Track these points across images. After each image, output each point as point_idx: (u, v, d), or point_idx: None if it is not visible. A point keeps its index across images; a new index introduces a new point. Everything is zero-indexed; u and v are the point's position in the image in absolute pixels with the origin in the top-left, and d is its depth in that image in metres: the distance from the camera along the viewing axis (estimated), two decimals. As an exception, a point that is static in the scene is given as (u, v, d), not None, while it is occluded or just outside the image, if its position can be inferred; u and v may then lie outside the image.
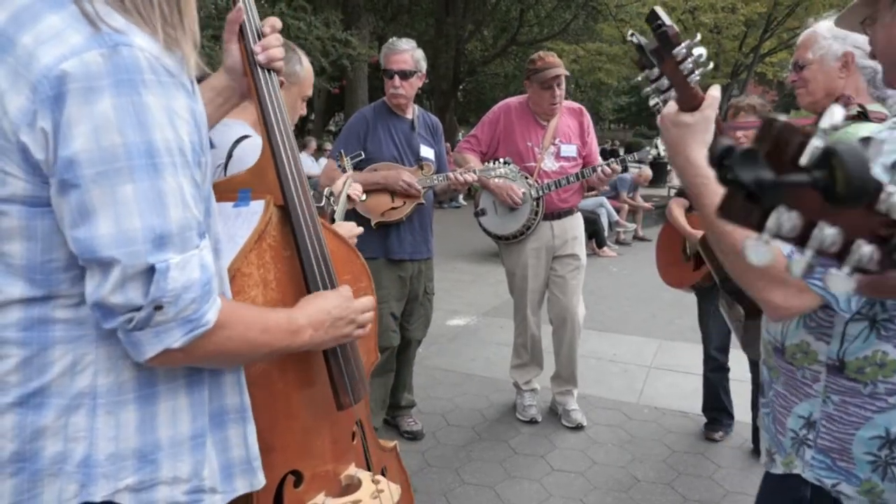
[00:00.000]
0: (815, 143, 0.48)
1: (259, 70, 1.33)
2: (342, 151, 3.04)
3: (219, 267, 1.09)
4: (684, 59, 1.21)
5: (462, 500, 3.04)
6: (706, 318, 3.59)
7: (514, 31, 18.80)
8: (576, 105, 3.90)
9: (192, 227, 0.90)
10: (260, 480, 1.15)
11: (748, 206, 0.50)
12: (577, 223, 3.81)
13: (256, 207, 1.34)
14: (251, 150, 2.04)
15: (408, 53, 3.28)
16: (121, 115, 0.83)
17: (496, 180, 3.50)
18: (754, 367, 3.30)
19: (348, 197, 2.46)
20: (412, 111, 3.44)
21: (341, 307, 1.25)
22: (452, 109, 19.55)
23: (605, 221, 9.51)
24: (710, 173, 1.18)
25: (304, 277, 1.34)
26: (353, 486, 1.47)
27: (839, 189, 0.47)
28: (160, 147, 0.86)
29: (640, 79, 1.29)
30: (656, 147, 3.46)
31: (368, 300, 1.35)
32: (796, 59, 2.01)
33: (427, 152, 3.42)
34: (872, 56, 1.32)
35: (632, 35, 1.34)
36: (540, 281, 3.76)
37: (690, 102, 1.23)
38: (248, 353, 1.06)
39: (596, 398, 4.16)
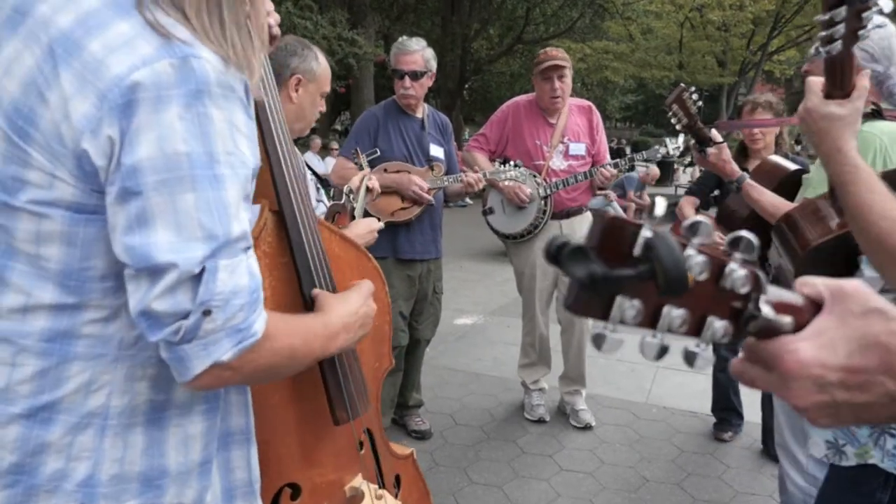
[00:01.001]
0: (644, 234, 0.50)
1: None
2: (358, 149, 3.01)
3: None
4: (861, 13, 1.13)
5: (470, 500, 3.03)
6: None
7: (520, 30, 18.78)
8: (585, 102, 3.88)
9: (245, 238, 0.89)
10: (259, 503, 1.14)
11: (590, 297, 0.51)
12: (586, 222, 3.79)
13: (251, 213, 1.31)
14: None
15: (418, 54, 3.26)
16: (186, 125, 0.83)
17: (506, 182, 3.47)
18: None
19: (367, 189, 2.44)
20: (422, 110, 3.43)
21: (366, 305, 1.23)
22: (458, 108, 19.55)
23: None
24: (859, 163, 1.18)
25: (298, 284, 1.29)
26: (357, 497, 1.44)
27: (659, 283, 0.49)
28: (221, 159, 0.86)
29: (825, 17, 1.18)
30: (665, 146, 3.43)
31: (372, 294, 1.31)
32: (811, 52, 1.99)
33: (437, 151, 3.42)
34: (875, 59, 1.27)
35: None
36: (549, 280, 3.74)
37: (842, 82, 1.20)
38: (291, 364, 1.02)
39: (604, 398, 4.15)
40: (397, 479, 1.66)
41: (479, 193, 3.65)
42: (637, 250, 0.50)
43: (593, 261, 0.50)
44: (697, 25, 18.31)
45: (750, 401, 3.64)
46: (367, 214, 3.21)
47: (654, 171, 11.05)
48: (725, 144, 2.34)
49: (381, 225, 2.14)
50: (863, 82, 1.21)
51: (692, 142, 2.42)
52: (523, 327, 3.89)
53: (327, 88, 2.28)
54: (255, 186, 0.96)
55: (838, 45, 1.16)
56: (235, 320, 0.86)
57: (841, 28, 1.16)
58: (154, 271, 0.83)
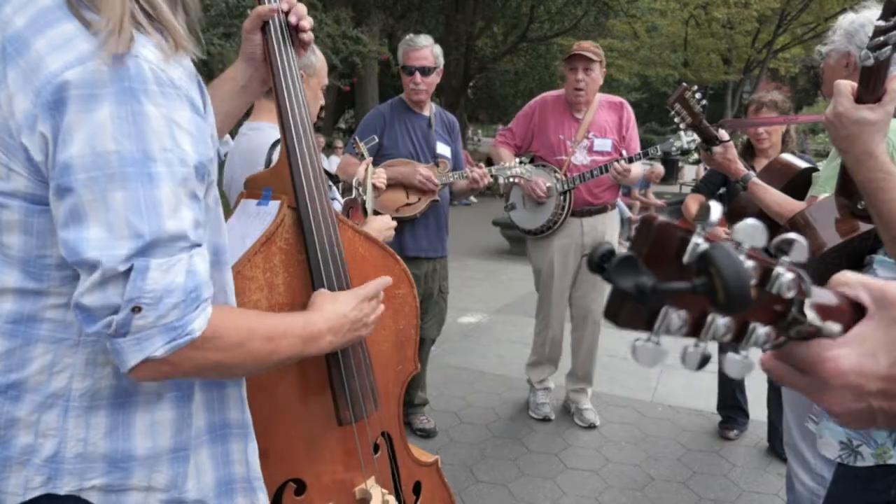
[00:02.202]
0: (696, 241, 0.48)
1: (279, 61, 1.30)
2: (356, 138, 3.02)
3: (222, 279, 1.08)
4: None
5: (476, 499, 3.03)
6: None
7: (524, 28, 18.73)
8: (616, 99, 3.80)
9: (185, 237, 0.90)
10: (261, 500, 1.14)
11: (634, 307, 0.49)
12: (609, 221, 3.71)
13: (272, 208, 1.31)
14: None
15: (427, 49, 3.27)
16: (118, 123, 0.84)
17: (511, 178, 3.44)
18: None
19: (374, 185, 2.44)
20: (429, 108, 3.43)
21: (358, 309, 1.22)
22: (463, 106, 19.53)
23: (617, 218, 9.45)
24: (891, 168, 1.17)
25: (311, 283, 1.29)
26: (366, 500, 1.43)
27: (720, 300, 0.47)
28: (157, 157, 0.87)
29: (886, 23, 1.17)
30: (680, 139, 3.33)
31: (378, 296, 1.30)
32: (823, 51, 1.98)
33: (443, 149, 3.42)
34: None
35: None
36: (567, 280, 3.69)
37: (877, 86, 1.19)
38: (253, 363, 1.03)
39: (610, 396, 4.14)
40: (417, 486, 1.63)
41: (485, 192, 3.65)
42: (687, 258, 0.48)
43: (643, 272, 0.47)
44: (702, 23, 18.26)
45: (756, 399, 3.64)
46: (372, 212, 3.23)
47: (659, 168, 11.01)
48: (731, 143, 2.33)
49: (394, 223, 2.14)
50: (893, 85, 1.20)
51: (698, 140, 2.41)
52: (536, 325, 3.87)
53: (326, 81, 2.28)
54: (205, 182, 0.97)
55: (887, 50, 1.15)
56: (168, 318, 0.87)
57: (895, 35, 1.15)
58: (84, 266, 0.86)
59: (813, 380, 0.56)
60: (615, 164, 3.47)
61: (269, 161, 2.03)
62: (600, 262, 0.49)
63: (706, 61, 19.14)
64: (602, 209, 3.67)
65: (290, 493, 1.33)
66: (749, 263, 0.49)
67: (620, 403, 4.07)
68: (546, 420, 3.78)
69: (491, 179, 3.38)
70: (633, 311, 0.49)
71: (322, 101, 2.27)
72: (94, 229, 0.84)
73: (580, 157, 3.59)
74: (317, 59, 2.20)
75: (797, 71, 23.25)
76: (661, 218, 0.49)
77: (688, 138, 3.21)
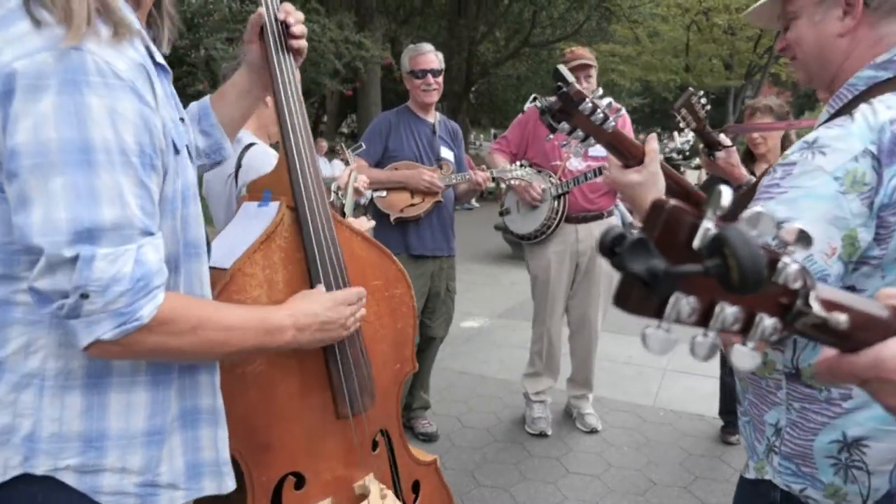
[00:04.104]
0: (706, 226, 0.47)
1: (277, 67, 1.35)
2: (342, 145, 3.12)
3: (200, 270, 1.12)
4: (593, 112, 1.27)
5: (477, 503, 3.03)
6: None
7: (526, 33, 18.79)
8: (613, 104, 3.81)
9: (131, 225, 0.93)
10: (228, 485, 1.16)
11: (644, 293, 0.48)
12: (605, 227, 3.73)
13: (272, 209, 1.35)
14: (261, 156, 2.06)
15: (432, 54, 3.41)
16: (60, 112, 0.88)
17: (512, 181, 3.47)
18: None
19: (356, 189, 2.47)
20: (434, 116, 3.52)
21: (333, 310, 1.25)
22: (465, 111, 19.57)
23: (618, 223, 9.47)
24: None
25: (309, 280, 1.33)
26: (365, 495, 1.46)
27: (734, 280, 0.46)
28: (97, 146, 0.90)
29: (557, 131, 1.35)
30: (674, 139, 3.32)
31: (359, 301, 1.33)
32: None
33: (447, 154, 3.49)
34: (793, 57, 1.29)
35: (534, 99, 1.41)
36: (563, 287, 3.67)
37: (628, 152, 1.32)
38: (207, 350, 1.07)
39: (611, 401, 4.14)
40: (416, 484, 1.65)
41: (487, 196, 3.67)
42: (698, 243, 0.47)
43: (655, 255, 0.47)
44: (704, 28, 18.28)
45: (757, 404, 3.63)
46: (376, 211, 3.29)
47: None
48: (734, 148, 2.34)
49: (372, 223, 2.18)
50: (651, 146, 1.32)
51: (700, 145, 2.42)
52: (532, 334, 3.85)
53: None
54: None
55: (611, 121, 1.30)
56: (116, 305, 0.92)
57: (580, 132, 1.31)
58: (31, 251, 0.90)
59: (877, 385, 0.58)
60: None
61: (238, 165, 2.06)
62: (612, 245, 0.48)
63: (708, 66, 19.15)
64: (598, 216, 3.65)
65: (290, 486, 1.36)
66: (762, 255, 0.48)
67: (622, 408, 4.07)
68: (542, 436, 3.68)
69: (492, 184, 3.42)
70: (643, 296, 0.48)
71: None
72: (36, 214, 0.88)
73: (575, 163, 3.60)
74: None
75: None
76: (673, 201, 0.49)
77: (682, 139, 3.22)
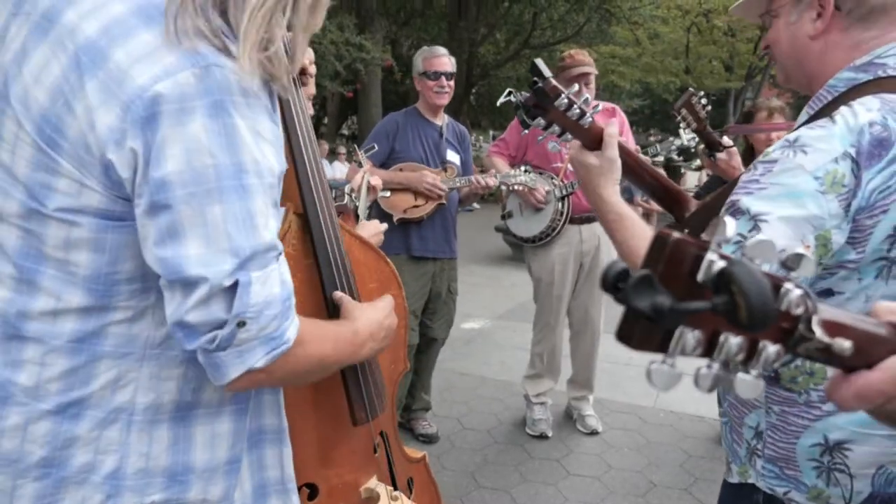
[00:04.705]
0: (710, 258, 0.47)
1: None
2: (356, 146, 3.11)
3: None
4: (570, 107, 1.27)
5: (478, 504, 3.03)
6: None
7: (527, 35, 18.78)
8: (608, 105, 3.79)
9: (275, 247, 0.90)
10: (293, 501, 1.15)
11: (648, 329, 0.47)
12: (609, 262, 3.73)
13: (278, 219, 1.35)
14: None
15: (446, 57, 3.44)
16: (212, 136, 0.83)
17: (517, 186, 3.45)
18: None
19: (369, 188, 2.47)
20: (442, 119, 3.52)
21: (390, 317, 1.24)
22: (465, 113, 19.56)
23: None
24: (622, 210, 1.28)
25: (321, 286, 1.32)
26: (372, 498, 1.46)
27: (742, 318, 0.45)
28: (249, 168, 0.86)
29: (531, 126, 1.34)
30: (680, 136, 3.32)
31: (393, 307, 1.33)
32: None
33: (453, 157, 3.50)
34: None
35: (509, 94, 1.42)
36: (566, 288, 3.67)
37: (593, 141, 1.31)
38: (322, 369, 1.05)
39: (611, 402, 4.15)
40: (410, 482, 1.67)
41: (488, 198, 3.66)
42: (702, 276, 0.46)
43: (660, 291, 0.46)
44: (704, 30, 18.28)
45: (758, 406, 3.63)
46: (379, 211, 3.29)
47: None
48: (735, 149, 2.34)
49: (385, 226, 2.18)
50: (610, 130, 1.31)
51: (702, 146, 2.42)
52: (534, 336, 3.84)
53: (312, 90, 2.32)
54: (281, 190, 0.98)
55: (574, 108, 1.29)
56: (268, 329, 0.88)
57: (556, 127, 1.31)
58: (186, 283, 0.84)
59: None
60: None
61: None
62: (615, 281, 0.47)
63: (708, 68, 19.15)
64: None
65: (304, 498, 1.35)
66: (769, 292, 0.47)
67: (622, 409, 4.07)
68: (543, 437, 3.69)
69: (496, 184, 3.42)
70: (647, 331, 0.47)
71: (310, 112, 2.29)
72: (193, 246, 0.83)
73: None
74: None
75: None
76: (675, 234, 0.48)
77: (687, 136, 3.21)
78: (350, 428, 1.41)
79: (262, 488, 1.10)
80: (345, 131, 23.51)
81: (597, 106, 1.29)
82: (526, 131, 1.38)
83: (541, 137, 1.37)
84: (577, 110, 1.27)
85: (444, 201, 3.36)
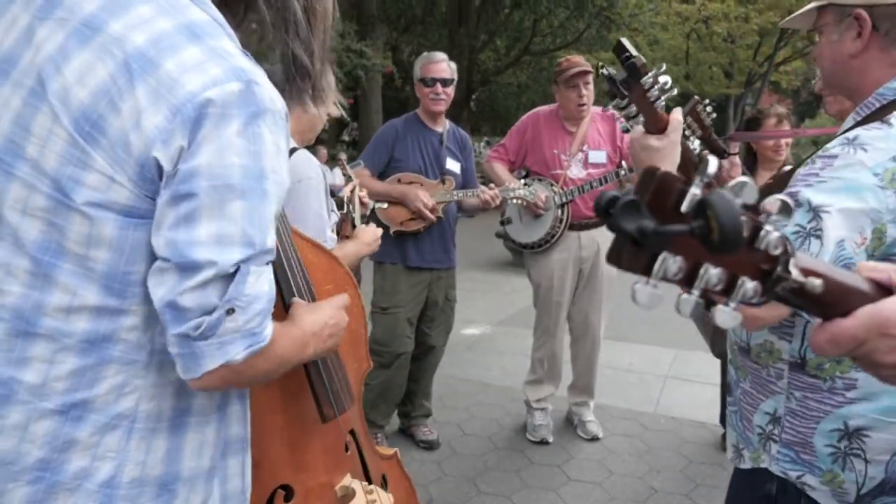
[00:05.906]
0: (694, 191, 0.51)
1: None
2: (342, 160, 3.13)
3: None
4: (651, 87, 1.29)
5: (478, 510, 3.03)
6: (724, 329, 3.56)
7: (527, 41, 18.83)
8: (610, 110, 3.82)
9: (272, 252, 0.96)
10: None
11: (635, 251, 0.53)
12: (608, 234, 3.73)
13: None
14: (304, 162, 2.02)
15: (445, 63, 3.41)
16: (243, 141, 0.91)
17: (515, 200, 3.45)
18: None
19: (361, 202, 2.51)
20: (443, 125, 3.50)
21: (336, 317, 1.24)
22: (465, 119, 19.60)
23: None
24: None
25: (279, 291, 1.30)
26: (348, 496, 1.47)
27: (714, 239, 0.50)
28: (269, 176, 0.94)
29: (609, 108, 1.38)
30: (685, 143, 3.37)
31: (346, 307, 1.33)
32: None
33: (453, 166, 3.46)
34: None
35: (602, 68, 1.44)
36: (566, 294, 3.67)
37: (657, 125, 1.33)
38: (280, 370, 1.06)
39: (612, 408, 4.14)
40: (384, 478, 1.69)
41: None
42: (685, 207, 0.51)
43: (645, 215, 0.51)
44: (703, 37, 18.36)
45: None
46: (377, 222, 3.29)
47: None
48: (737, 158, 2.36)
49: (380, 231, 2.20)
50: (675, 116, 1.34)
51: (706, 153, 2.43)
52: (534, 342, 3.84)
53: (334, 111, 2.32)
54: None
55: (639, 118, 1.33)
56: (252, 324, 0.92)
57: (632, 108, 1.34)
58: (188, 267, 0.88)
59: (875, 344, 0.63)
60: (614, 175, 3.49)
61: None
62: (606, 206, 0.52)
63: (708, 74, 19.21)
64: (600, 222, 3.64)
65: (280, 500, 1.37)
66: (742, 218, 0.52)
67: (623, 415, 4.06)
68: (544, 443, 3.68)
69: (496, 198, 3.40)
70: (634, 254, 0.53)
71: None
72: (204, 232, 0.88)
73: (576, 171, 3.59)
74: (331, 76, 2.23)
75: (799, 84, 23.32)
76: (664, 169, 0.53)
77: (692, 144, 3.23)
78: (320, 426, 1.43)
79: (225, 499, 1.10)
80: (345, 137, 23.54)
81: (673, 89, 1.31)
82: (610, 105, 1.40)
83: (618, 116, 1.39)
84: (656, 92, 1.31)
85: (441, 215, 3.32)
